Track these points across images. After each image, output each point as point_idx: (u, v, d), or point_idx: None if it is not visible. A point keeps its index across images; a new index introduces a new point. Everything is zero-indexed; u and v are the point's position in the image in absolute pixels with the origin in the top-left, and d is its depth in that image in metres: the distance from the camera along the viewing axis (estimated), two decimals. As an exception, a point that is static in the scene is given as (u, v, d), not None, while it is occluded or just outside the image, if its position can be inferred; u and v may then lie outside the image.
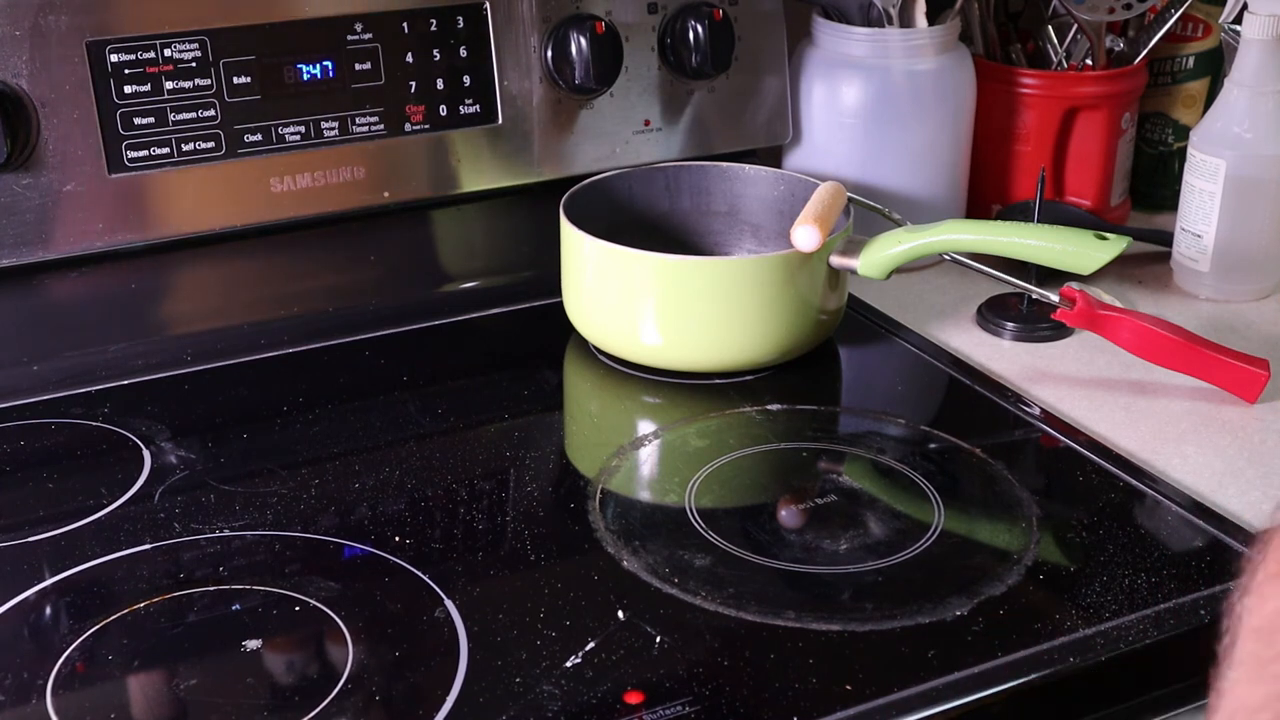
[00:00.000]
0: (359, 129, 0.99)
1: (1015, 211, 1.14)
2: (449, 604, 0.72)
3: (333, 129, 0.99)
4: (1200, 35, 1.24)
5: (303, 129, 0.98)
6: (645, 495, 0.87)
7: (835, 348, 1.02)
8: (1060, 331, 1.03)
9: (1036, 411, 0.92)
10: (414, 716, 0.65)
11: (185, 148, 0.95)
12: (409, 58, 1.00)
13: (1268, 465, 0.87)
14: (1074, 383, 0.98)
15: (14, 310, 0.95)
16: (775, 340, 0.95)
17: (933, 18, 1.13)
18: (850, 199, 1.01)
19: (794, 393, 0.95)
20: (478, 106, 1.03)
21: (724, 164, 1.09)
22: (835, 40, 1.13)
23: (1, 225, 0.91)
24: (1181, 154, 1.14)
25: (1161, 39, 1.18)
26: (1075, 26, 1.16)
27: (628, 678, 0.67)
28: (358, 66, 0.98)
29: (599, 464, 0.87)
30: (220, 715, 0.65)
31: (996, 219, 1.14)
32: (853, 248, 0.96)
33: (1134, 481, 0.84)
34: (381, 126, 1.00)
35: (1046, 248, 0.92)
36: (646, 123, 1.09)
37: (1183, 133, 1.25)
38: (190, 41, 0.93)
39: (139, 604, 0.73)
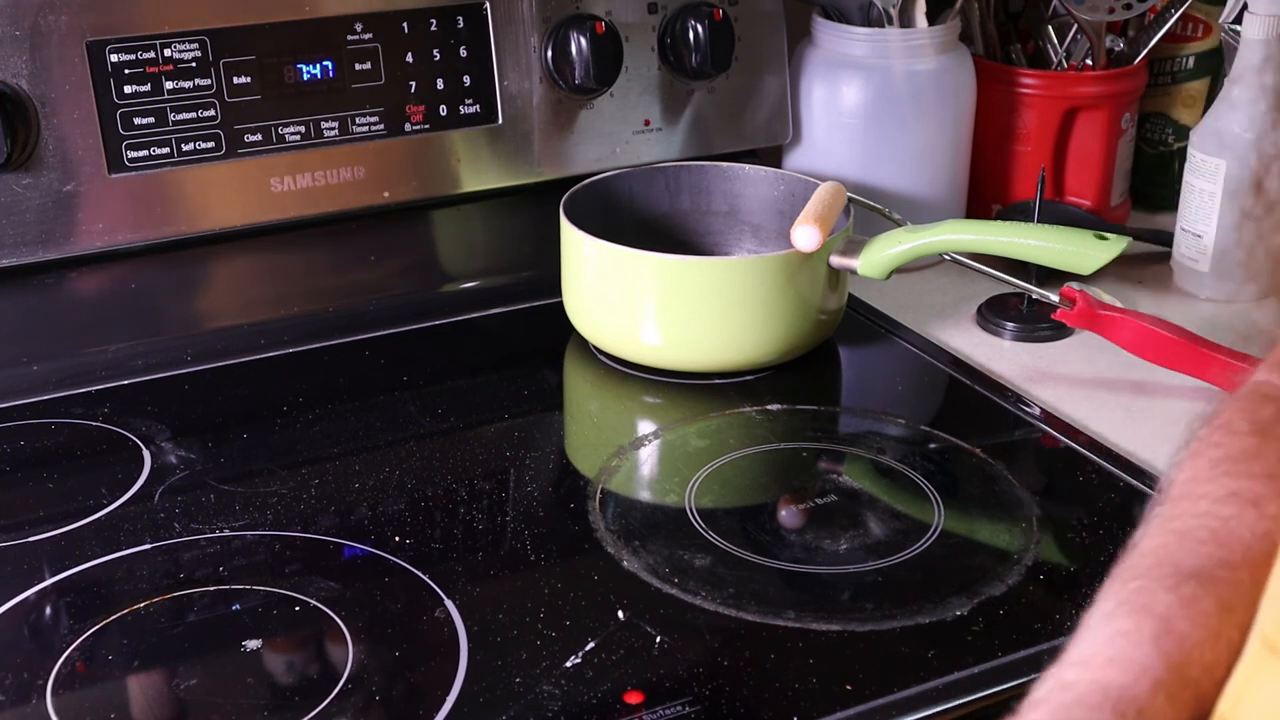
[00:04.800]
0: (359, 129, 0.99)
1: (1015, 211, 1.14)
2: (449, 604, 0.72)
3: (333, 129, 0.99)
4: (1200, 35, 1.24)
5: (303, 129, 0.98)
6: (645, 495, 0.87)
7: (835, 348, 1.02)
8: (1060, 331, 1.03)
9: (1036, 411, 0.92)
10: (414, 716, 0.65)
11: (185, 148, 0.95)
12: (409, 58, 1.00)
13: (1268, 465, 0.87)
14: (1074, 383, 0.98)
15: (14, 310, 0.95)
16: (775, 340, 0.95)
17: (933, 18, 1.13)
18: (850, 199, 1.01)
19: (794, 393, 0.95)
20: (478, 106, 1.03)
21: (724, 164, 1.09)
22: (835, 40, 1.13)
23: (1, 225, 0.91)
24: (1181, 154, 1.14)
25: (1161, 39, 1.18)
26: (1075, 26, 1.16)
27: (628, 678, 0.67)
28: (358, 66, 0.98)
29: (599, 464, 0.87)
30: (220, 715, 0.65)
31: (996, 219, 1.14)
32: (853, 248, 0.96)
33: (1134, 481, 0.84)
34: (381, 126, 1.00)
35: (1046, 248, 0.92)
36: (646, 123, 1.09)
37: (1183, 133, 1.25)
38: (190, 41, 0.93)
39: (139, 604, 0.73)
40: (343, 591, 0.74)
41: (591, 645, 0.69)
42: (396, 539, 0.78)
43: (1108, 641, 0.51)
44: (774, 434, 0.90)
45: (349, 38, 0.98)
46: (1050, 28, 1.19)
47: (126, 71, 0.92)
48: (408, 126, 1.01)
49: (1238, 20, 1.09)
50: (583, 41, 1.02)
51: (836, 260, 0.96)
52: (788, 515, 0.82)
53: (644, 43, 1.07)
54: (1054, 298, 0.96)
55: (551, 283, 1.02)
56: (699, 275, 0.94)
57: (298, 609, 0.72)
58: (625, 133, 1.08)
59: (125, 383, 0.96)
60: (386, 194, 1.02)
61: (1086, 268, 0.92)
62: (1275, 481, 0.56)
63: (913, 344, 1.02)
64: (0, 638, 0.71)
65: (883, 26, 1.12)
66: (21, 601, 0.73)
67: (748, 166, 1.08)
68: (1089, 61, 1.17)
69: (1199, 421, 0.64)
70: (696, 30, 1.06)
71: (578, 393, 1.00)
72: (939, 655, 0.68)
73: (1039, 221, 1.04)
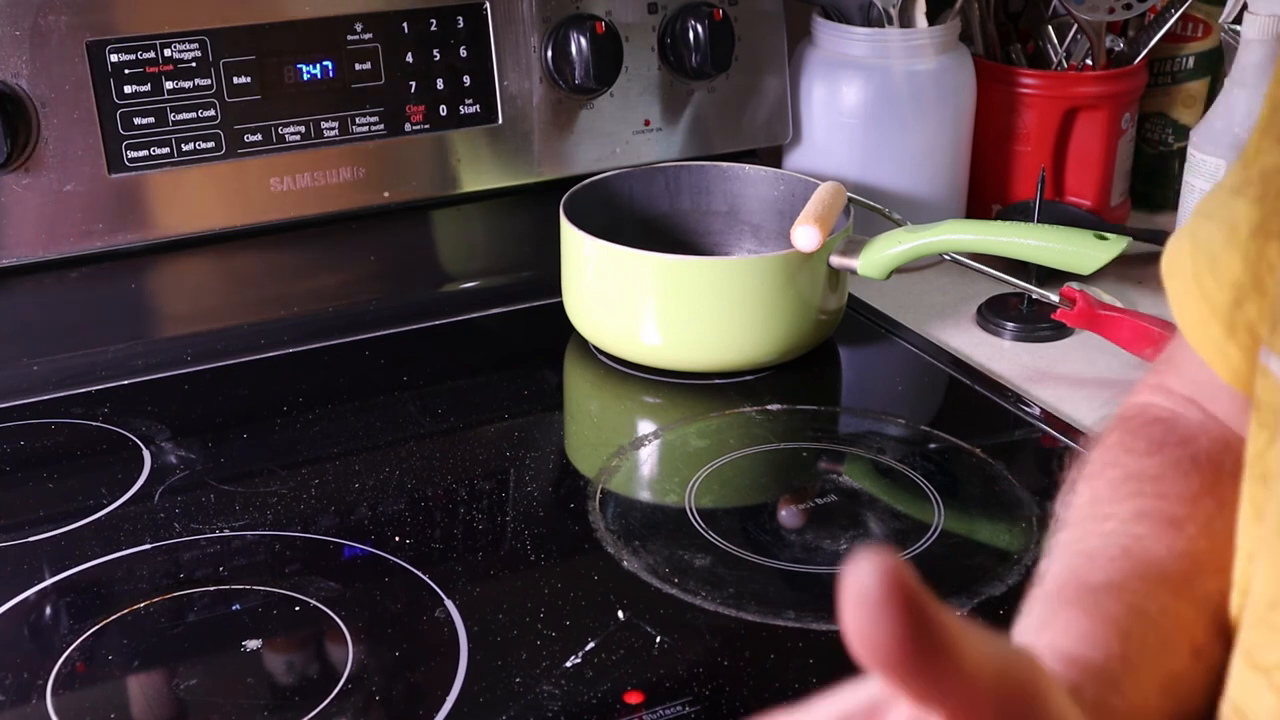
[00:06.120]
0: (359, 129, 0.99)
1: (1015, 211, 1.14)
2: (449, 604, 0.72)
3: (333, 129, 0.99)
4: (1200, 35, 1.24)
5: (303, 129, 0.98)
6: (645, 495, 0.87)
7: (835, 348, 1.02)
8: (1060, 331, 1.03)
9: (1036, 411, 0.92)
10: (414, 716, 0.65)
11: (185, 148, 0.95)
12: (409, 58, 1.00)
13: (1268, 465, 0.87)
14: (1074, 383, 0.98)
15: (14, 310, 0.95)
16: (775, 340, 0.95)
17: (933, 18, 1.13)
18: (850, 199, 1.01)
19: (794, 393, 0.95)
20: (478, 106, 1.03)
21: (724, 164, 1.09)
22: (835, 40, 1.13)
23: (1, 225, 0.91)
24: (1181, 154, 1.14)
25: (1161, 39, 1.18)
26: (1075, 26, 1.16)
27: (628, 678, 0.67)
28: (358, 66, 0.98)
29: (599, 464, 0.87)
30: (220, 715, 0.65)
31: (996, 219, 1.14)
32: (853, 248, 0.96)
33: (1134, 481, 0.84)
34: (381, 126, 1.00)
35: (1046, 248, 0.92)
36: (646, 123, 1.09)
37: (1183, 133, 1.25)
38: (190, 41, 0.93)
39: (139, 604, 0.73)
40: (343, 591, 0.74)
41: (591, 645, 0.69)
42: (396, 539, 0.78)
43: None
44: (774, 434, 0.90)
45: (349, 38, 0.98)
46: (1050, 28, 1.19)
47: (126, 71, 0.92)
48: (408, 126, 1.01)
49: (1238, 20, 1.09)
50: (583, 41, 1.02)
51: (836, 260, 0.96)
52: (788, 515, 0.82)
53: (644, 43, 1.07)
54: (1054, 298, 0.96)
55: (551, 283, 1.02)
56: (699, 275, 0.94)
57: (298, 609, 0.72)
58: (625, 133, 1.08)
59: (125, 383, 0.96)
60: (386, 194, 1.02)
61: (1086, 268, 0.92)
62: (1193, 505, 0.54)
63: (913, 344, 1.02)
64: (0, 638, 0.71)
65: (883, 26, 1.12)
66: (21, 601, 0.73)
67: (748, 166, 1.08)
68: (1089, 61, 1.17)
69: (1082, 453, 0.62)
70: (696, 30, 1.06)
71: (578, 393, 1.00)
72: (939, 655, 0.68)
73: (1039, 221, 1.04)
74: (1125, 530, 0.53)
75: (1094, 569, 0.51)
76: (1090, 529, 0.54)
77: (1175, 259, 0.58)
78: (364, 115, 0.99)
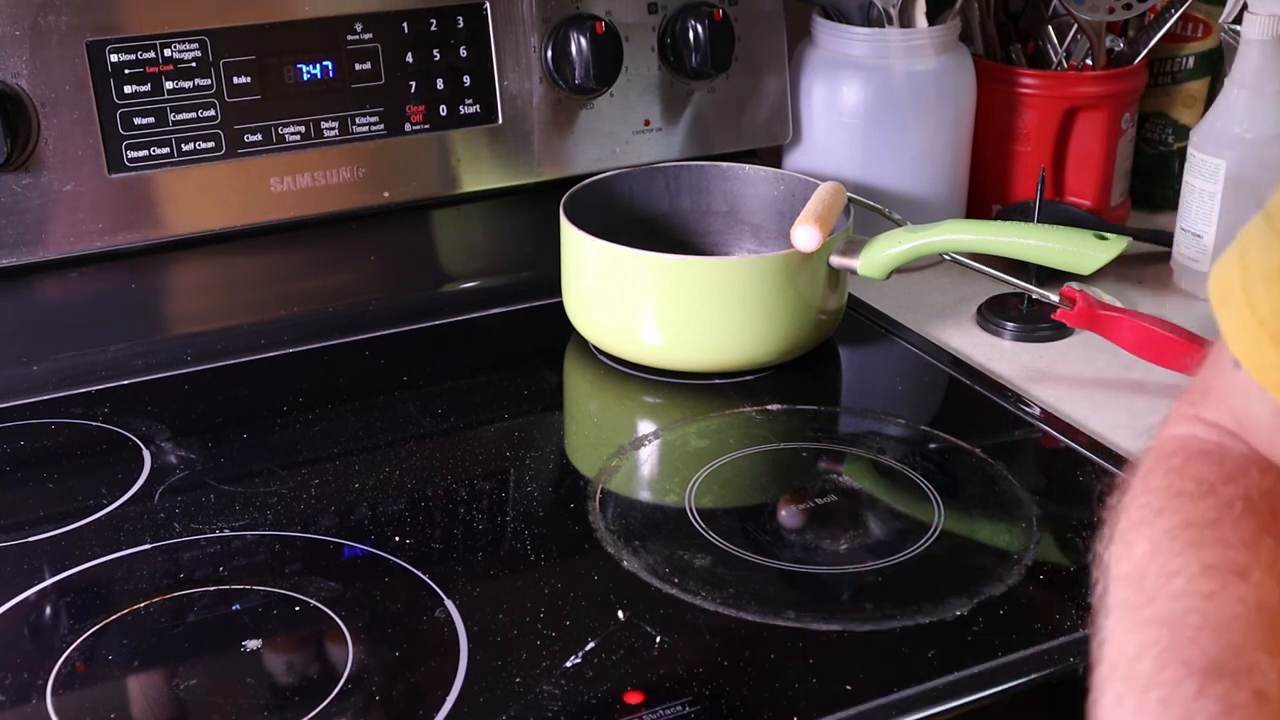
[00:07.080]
0: (359, 129, 0.99)
1: (1015, 211, 1.14)
2: (449, 604, 0.72)
3: (333, 129, 0.99)
4: (1200, 35, 1.24)
5: (303, 129, 0.98)
6: (645, 495, 0.87)
7: (835, 348, 1.02)
8: (1060, 331, 1.03)
9: (1036, 411, 0.92)
10: (414, 716, 0.65)
11: (185, 148, 0.95)
12: (409, 58, 1.00)
13: (1268, 465, 0.87)
14: (1074, 383, 0.98)
15: (14, 310, 0.95)
16: (775, 340, 0.95)
17: (933, 18, 1.13)
18: (850, 199, 1.01)
19: (794, 393, 0.95)
20: (478, 106, 1.03)
21: (724, 164, 1.09)
22: (835, 40, 1.13)
23: (1, 225, 0.91)
24: (1181, 154, 1.14)
25: (1161, 39, 1.18)
26: (1075, 26, 1.16)
27: (628, 678, 0.67)
28: (358, 66, 0.98)
29: (599, 464, 0.87)
30: (220, 715, 0.65)
31: (996, 219, 1.14)
32: (853, 248, 0.96)
33: (1134, 481, 0.84)
34: (381, 126, 1.00)
35: (1046, 248, 0.92)
36: (646, 123, 1.09)
37: (1183, 133, 1.25)
38: (190, 41, 0.93)
39: (139, 604, 0.73)
40: (343, 591, 0.74)
41: (591, 645, 0.69)
42: (396, 539, 0.78)
43: None
44: (774, 434, 0.90)
45: (349, 38, 0.98)
46: (1050, 28, 1.19)
47: (126, 71, 0.92)
48: (408, 126, 1.01)
49: (1238, 20, 1.09)
50: (583, 41, 1.02)
51: (836, 260, 0.96)
52: (788, 515, 0.82)
53: (644, 43, 1.07)
54: (1054, 298, 0.96)
55: (551, 283, 1.02)
56: (699, 275, 0.94)
57: (298, 609, 0.72)
58: (625, 133, 1.08)
59: (125, 383, 0.96)
60: (386, 194, 1.02)
61: (1086, 268, 0.92)
62: (1254, 548, 0.52)
63: (913, 344, 1.02)
64: (0, 638, 0.71)
65: (883, 26, 1.12)
66: (21, 601, 0.73)
67: (748, 166, 1.08)
68: (1089, 61, 1.17)
69: (1114, 491, 0.59)
70: (696, 30, 1.06)
71: (578, 393, 1.00)
72: (939, 655, 0.68)
73: (1039, 221, 1.04)
74: (1195, 589, 0.51)
75: (1183, 643, 0.49)
76: (1153, 587, 0.52)
77: (1224, 284, 0.55)
78: (364, 115, 0.99)
